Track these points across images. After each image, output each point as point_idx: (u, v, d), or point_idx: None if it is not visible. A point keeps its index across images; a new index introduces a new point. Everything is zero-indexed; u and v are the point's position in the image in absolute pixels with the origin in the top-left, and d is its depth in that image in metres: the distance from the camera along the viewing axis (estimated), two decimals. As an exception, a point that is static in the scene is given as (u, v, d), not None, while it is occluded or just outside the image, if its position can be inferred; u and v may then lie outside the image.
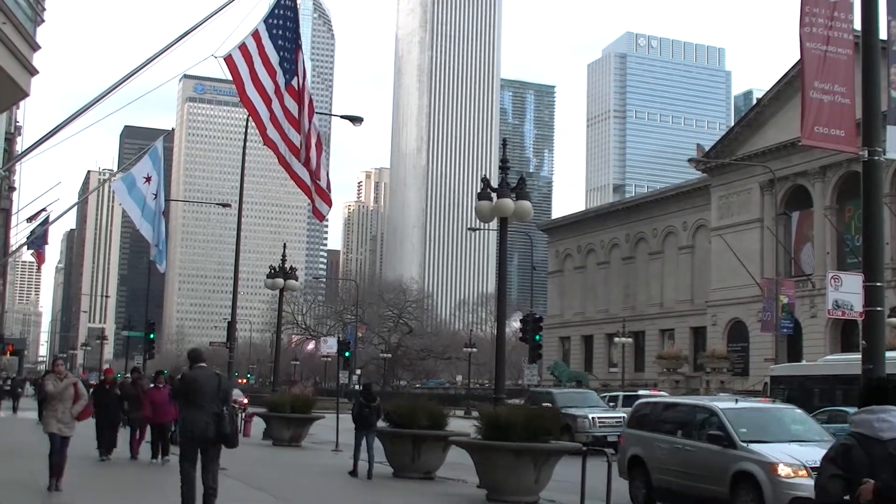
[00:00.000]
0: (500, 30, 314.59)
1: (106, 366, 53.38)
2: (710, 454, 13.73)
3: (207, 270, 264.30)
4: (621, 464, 16.11)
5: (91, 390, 19.56)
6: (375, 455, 18.87)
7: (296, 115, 14.28)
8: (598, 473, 13.21)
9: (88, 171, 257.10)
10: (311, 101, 14.46)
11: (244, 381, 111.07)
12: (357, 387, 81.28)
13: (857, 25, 9.51)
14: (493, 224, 20.20)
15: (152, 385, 20.12)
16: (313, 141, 14.40)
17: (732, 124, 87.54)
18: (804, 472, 12.29)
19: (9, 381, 62.58)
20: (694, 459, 14.29)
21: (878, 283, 9.13)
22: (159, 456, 19.40)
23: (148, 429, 20.29)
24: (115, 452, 19.96)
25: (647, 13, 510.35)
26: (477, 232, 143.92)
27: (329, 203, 15.32)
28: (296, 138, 14.36)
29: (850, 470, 5.26)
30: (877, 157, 9.19)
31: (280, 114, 14.29)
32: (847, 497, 5.22)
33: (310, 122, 14.29)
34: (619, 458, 16.32)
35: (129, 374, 23.65)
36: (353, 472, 18.98)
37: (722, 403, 15.42)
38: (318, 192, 14.88)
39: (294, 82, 14.20)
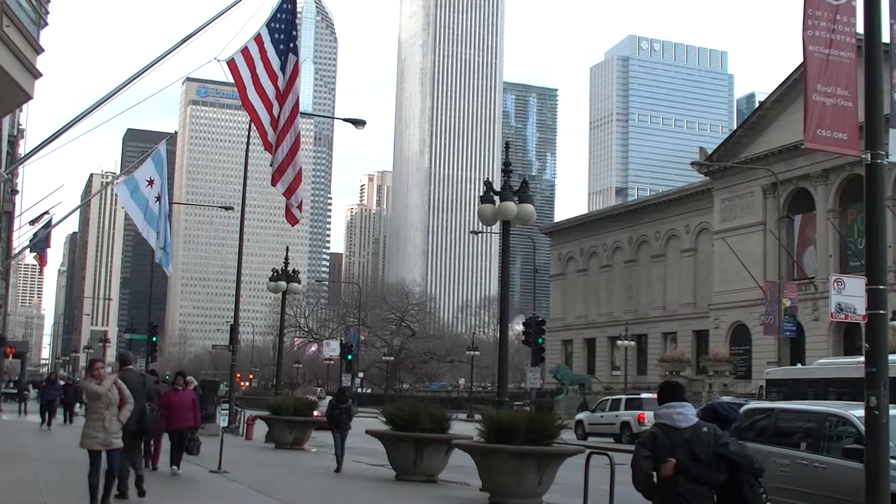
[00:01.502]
0: (502, 33, 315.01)
1: (108, 368, 53.16)
2: (848, 472, 11.07)
3: (210, 273, 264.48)
4: None
5: None
6: (378, 458, 18.95)
7: (292, 118, 14.36)
8: (600, 475, 13.20)
9: (91, 174, 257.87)
10: (296, 102, 14.47)
11: (245, 384, 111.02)
12: (359, 390, 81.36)
13: (860, 28, 9.52)
14: (496, 227, 20.22)
15: (172, 388, 18.16)
16: (290, 142, 14.45)
17: (735, 127, 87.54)
18: None
19: (11, 384, 62.65)
20: (825, 478, 11.89)
21: (881, 287, 9.12)
22: (179, 464, 17.83)
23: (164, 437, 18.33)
24: None
25: (650, 16, 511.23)
26: (479, 235, 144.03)
27: (299, 207, 15.34)
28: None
29: (656, 451, 6.75)
30: (879, 161, 9.19)
31: (288, 118, 14.36)
32: (654, 472, 6.75)
33: (290, 123, 14.32)
34: None
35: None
36: (338, 468, 20.38)
37: (858, 411, 11.90)
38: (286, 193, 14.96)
39: (277, 83, 14.26)
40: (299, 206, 15.29)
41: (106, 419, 11.55)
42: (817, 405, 15.45)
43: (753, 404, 16.83)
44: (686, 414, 6.89)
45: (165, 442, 18.27)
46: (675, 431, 6.82)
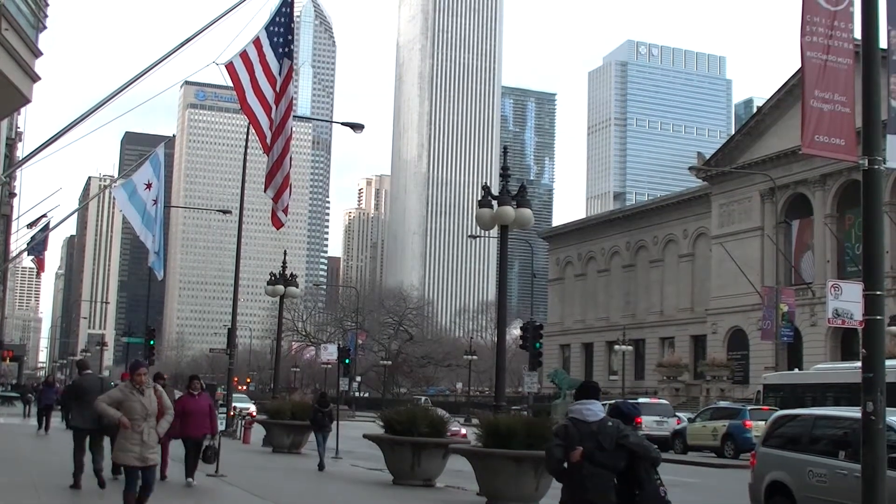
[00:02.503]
0: (501, 37, 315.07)
1: (105, 371, 53.15)
2: (894, 483, 9.98)
3: (208, 277, 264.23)
4: (755, 492, 13.36)
5: None
6: (375, 462, 18.97)
7: (283, 122, 14.41)
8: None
9: (89, 178, 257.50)
10: (289, 106, 14.50)
11: (243, 388, 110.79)
12: (356, 394, 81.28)
13: (858, 34, 9.53)
14: (494, 231, 20.20)
15: (188, 392, 16.98)
16: (280, 146, 14.50)
17: (733, 132, 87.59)
18: None
19: (9, 387, 62.61)
20: None
21: (878, 292, 9.11)
22: (194, 475, 16.85)
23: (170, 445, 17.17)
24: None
25: (648, 21, 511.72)
26: (477, 239, 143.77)
27: (285, 211, 15.37)
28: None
29: (567, 441, 7.78)
30: (877, 166, 9.18)
31: (280, 122, 14.39)
32: (565, 458, 7.74)
33: (281, 128, 14.35)
34: (751, 483, 13.63)
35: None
36: (320, 466, 21.88)
37: None
38: (276, 197, 15.00)
39: (276, 87, 14.29)
40: (284, 210, 15.35)
41: (144, 432, 10.47)
42: (856, 411, 13.33)
43: (786, 411, 15.86)
44: (594, 410, 7.90)
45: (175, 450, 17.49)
46: (584, 424, 7.83)
